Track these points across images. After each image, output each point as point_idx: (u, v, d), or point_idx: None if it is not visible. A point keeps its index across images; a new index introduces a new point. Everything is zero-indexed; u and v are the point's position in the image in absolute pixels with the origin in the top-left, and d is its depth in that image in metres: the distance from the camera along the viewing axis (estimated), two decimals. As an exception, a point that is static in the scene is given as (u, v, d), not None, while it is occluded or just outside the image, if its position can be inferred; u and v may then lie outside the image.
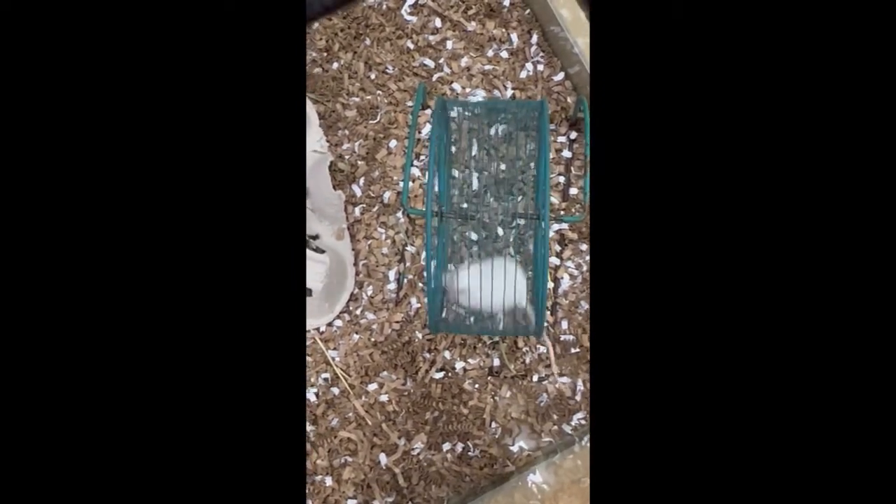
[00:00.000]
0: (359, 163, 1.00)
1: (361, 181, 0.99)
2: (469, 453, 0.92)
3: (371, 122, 1.01)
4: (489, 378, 0.94)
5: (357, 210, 0.99)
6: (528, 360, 0.94)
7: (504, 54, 1.02)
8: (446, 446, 0.92)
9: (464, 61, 1.01)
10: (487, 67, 1.01)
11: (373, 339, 0.96)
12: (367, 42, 1.02)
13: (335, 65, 1.02)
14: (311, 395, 0.94)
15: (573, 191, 0.98)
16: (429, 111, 1.00)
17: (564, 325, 0.95)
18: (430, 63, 1.01)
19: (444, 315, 0.93)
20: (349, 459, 0.92)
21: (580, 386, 0.94)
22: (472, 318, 0.93)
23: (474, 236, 0.96)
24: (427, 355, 0.95)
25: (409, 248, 0.98)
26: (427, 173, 0.79)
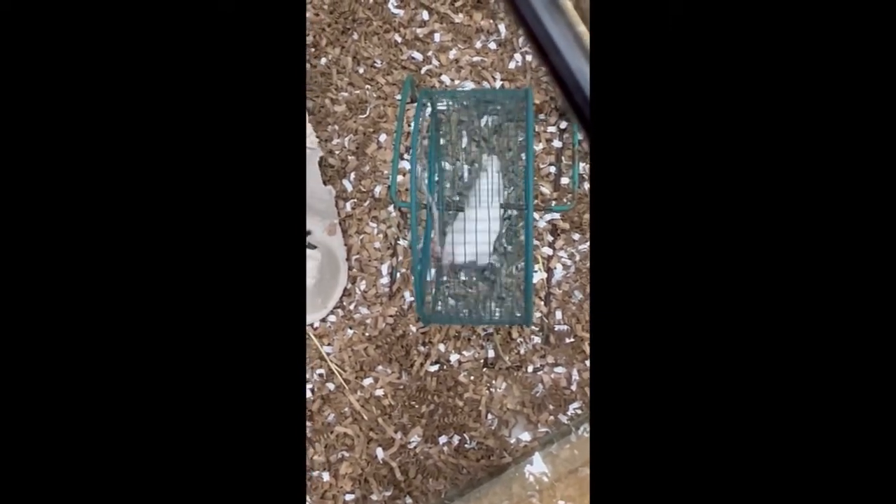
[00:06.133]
0: (349, 158, 0.99)
1: (352, 176, 0.99)
2: (465, 445, 0.92)
3: (360, 116, 1.00)
4: (484, 370, 0.94)
5: (348, 205, 0.99)
6: (522, 351, 0.94)
7: (492, 45, 1.02)
8: (443, 439, 0.92)
9: (452, 53, 1.01)
10: (476, 59, 1.01)
11: (367, 334, 0.95)
12: (355, 37, 1.02)
13: (323, 60, 1.02)
14: (306, 391, 0.94)
15: (564, 180, 0.98)
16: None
17: (558, 315, 0.95)
18: (419, 56, 1.01)
19: (437, 307, 0.93)
20: (346, 454, 0.92)
21: (575, 375, 0.93)
22: (465, 310, 0.93)
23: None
24: (421, 348, 0.95)
25: (401, 241, 0.98)
26: (414, 167, 0.79)
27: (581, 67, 0.24)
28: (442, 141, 0.96)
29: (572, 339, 0.94)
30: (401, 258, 0.97)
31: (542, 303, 0.95)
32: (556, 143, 0.99)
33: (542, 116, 0.99)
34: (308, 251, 0.97)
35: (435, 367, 0.94)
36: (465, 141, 0.98)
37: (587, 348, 0.94)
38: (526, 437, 0.93)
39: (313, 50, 1.02)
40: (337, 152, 1.00)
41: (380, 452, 0.92)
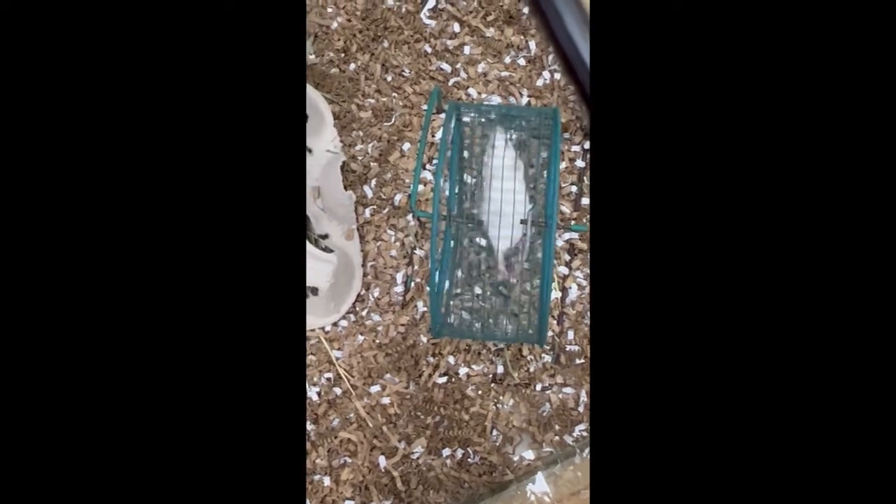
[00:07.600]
0: (371, 164, 1.00)
1: (373, 182, 0.99)
2: (469, 460, 0.92)
3: (385, 124, 1.01)
4: (492, 385, 0.94)
5: (367, 211, 0.99)
6: (531, 369, 0.94)
7: (521, 62, 1.02)
8: (446, 452, 0.92)
9: (480, 67, 1.01)
10: (504, 74, 1.01)
11: (377, 341, 0.95)
12: (385, 44, 1.02)
13: (352, 66, 1.02)
14: (313, 394, 0.94)
15: (585, 201, 0.97)
16: (443, 115, 1.00)
17: (570, 335, 0.94)
18: (447, 67, 1.01)
19: (450, 320, 0.92)
20: (348, 460, 0.92)
21: (583, 397, 0.93)
22: (478, 324, 0.93)
23: (483, 242, 0.96)
24: (431, 359, 0.94)
25: (417, 251, 0.98)
26: (437, 177, 0.79)
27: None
28: (465, 154, 0.97)
29: (582, 360, 0.93)
30: (416, 268, 0.97)
31: (555, 322, 0.95)
32: (580, 163, 0.99)
33: (566, 135, 0.99)
34: (325, 255, 0.97)
35: (443, 379, 0.94)
36: (487, 155, 0.98)
37: (597, 370, 0.93)
38: (530, 455, 0.92)
39: (343, 55, 1.03)
40: (360, 158, 1.00)
41: (382, 461, 0.91)
